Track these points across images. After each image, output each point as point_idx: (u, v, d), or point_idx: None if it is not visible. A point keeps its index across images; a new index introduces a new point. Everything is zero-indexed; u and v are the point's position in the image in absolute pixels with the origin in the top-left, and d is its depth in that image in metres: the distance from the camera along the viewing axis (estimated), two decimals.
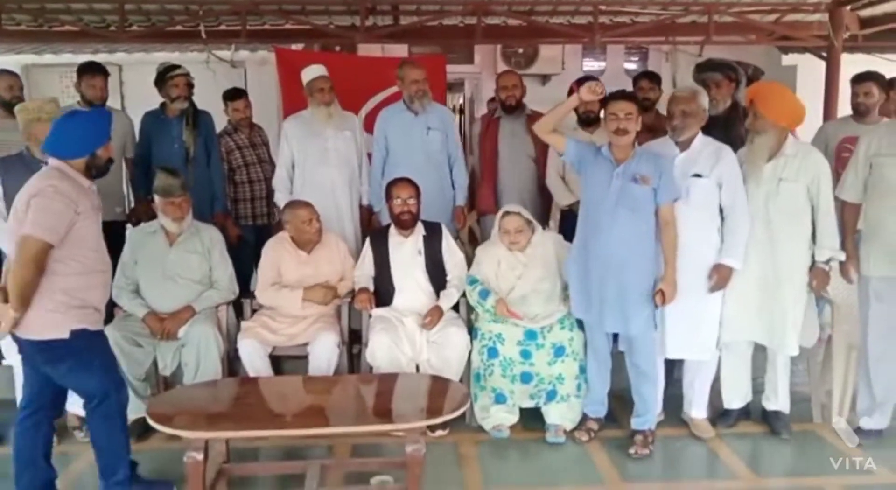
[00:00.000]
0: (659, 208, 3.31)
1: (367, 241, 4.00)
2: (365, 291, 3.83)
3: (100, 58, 7.08)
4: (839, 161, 3.69)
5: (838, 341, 3.73)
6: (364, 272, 3.93)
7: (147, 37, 6.23)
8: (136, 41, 6.25)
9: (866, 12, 6.23)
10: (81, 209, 2.75)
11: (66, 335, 2.77)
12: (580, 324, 3.64)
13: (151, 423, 2.73)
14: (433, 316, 3.72)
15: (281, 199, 4.43)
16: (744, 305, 3.49)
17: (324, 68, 4.40)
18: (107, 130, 2.93)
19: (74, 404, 3.58)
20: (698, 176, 3.39)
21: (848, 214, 3.49)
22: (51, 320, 2.74)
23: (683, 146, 3.46)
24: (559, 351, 3.59)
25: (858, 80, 4.30)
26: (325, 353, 3.60)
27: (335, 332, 3.71)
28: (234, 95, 4.92)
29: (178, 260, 3.75)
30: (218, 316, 3.79)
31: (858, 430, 3.54)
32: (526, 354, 3.58)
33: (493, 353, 3.60)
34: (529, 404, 3.61)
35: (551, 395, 3.59)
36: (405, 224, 3.85)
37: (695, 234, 3.39)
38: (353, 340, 3.94)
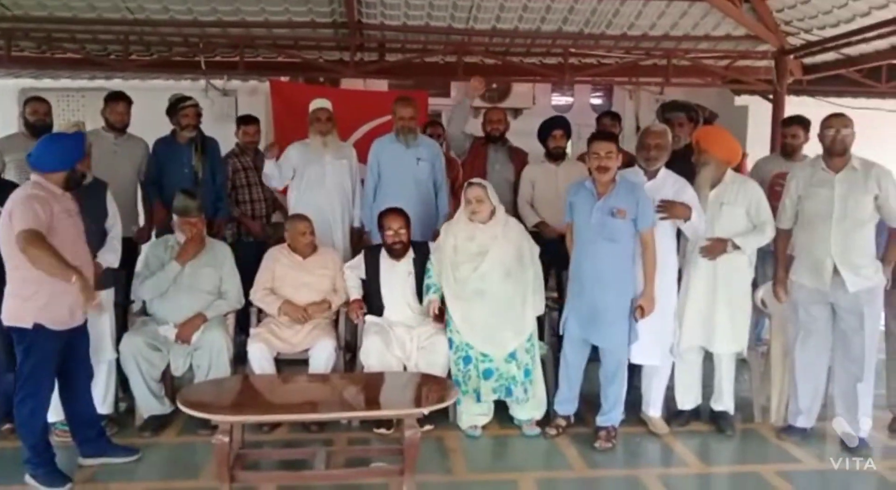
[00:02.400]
0: (640, 234, 3.79)
1: (362, 255, 4.41)
2: (357, 302, 4.25)
3: (96, 84, 7.52)
4: (772, 194, 4.25)
5: (775, 351, 4.26)
6: (355, 274, 4.35)
7: (150, 66, 6.63)
8: (138, 70, 6.63)
9: (809, 60, 6.90)
10: (56, 211, 3.20)
11: (29, 325, 3.19)
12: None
13: (184, 409, 3.11)
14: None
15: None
16: (694, 316, 4.00)
17: (328, 102, 4.87)
18: (82, 150, 3.42)
19: (101, 405, 3.97)
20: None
21: (781, 242, 4.02)
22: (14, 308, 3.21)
23: (651, 175, 3.98)
24: (511, 355, 4.00)
25: (786, 123, 4.97)
26: (323, 356, 4.00)
27: (332, 337, 4.12)
28: (248, 121, 5.43)
29: (192, 273, 4.13)
30: (227, 323, 4.18)
31: (790, 428, 4.04)
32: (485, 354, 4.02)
33: (467, 360, 4.02)
34: (494, 397, 4.03)
35: (508, 392, 4.01)
36: (397, 253, 4.24)
37: (658, 253, 3.86)
38: (346, 349, 4.36)
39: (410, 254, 4.30)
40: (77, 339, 3.45)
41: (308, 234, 4.35)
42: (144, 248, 4.31)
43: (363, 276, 4.34)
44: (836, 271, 3.75)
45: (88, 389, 3.62)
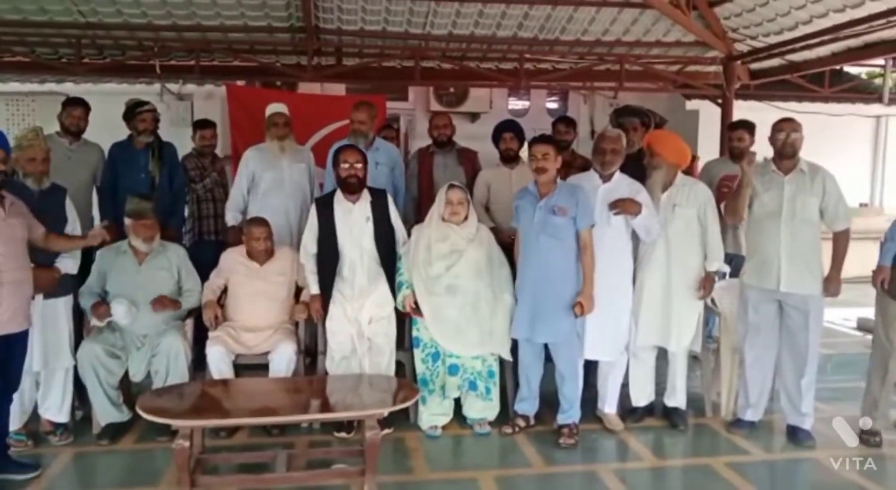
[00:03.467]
0: (578, 233, 3.90)
1: (313, 208, 4.24)
2: (317, 299, 4.16)
3: (47, 87, 7.39)
4: (719, 195, 4.41)
5: (725, 348, 4.41)
6: (311, 237, 4.18)
7: (103, 70, 6.54)
8: (91, 74, 6.53)
9: (755, 65, 7.12)
10: None
11: None
12: None
13: (144, 415, 3.09)
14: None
15: (230, 218, 4.86)
16: (650, 314, 4.13)
17: (284, 106, 4.87)
18: None
19: (48, 411, 3.94)
20: None
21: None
22: None
23: (606, 179, 4.10)
24: None
25: (733, 127, 5.15)
26: (284, 361, 3.99)
27: (293, 342, 4.11)
28: (204, 125, 5.44)
29: (148, 277, 4.10)
30: (185, 328, 4.15)
31: (739, 422, 4.20)
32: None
33: (436, 356, 4.10)
34: (457, 394, 4.12)
35: (473, 386, 4.10)
36: (352, 188, 4.09)
37: (613, 253, 4.03)
38: (307, 353, 4.35)
39: (367, 197, 4.19)
40: (9, 349, 3.38)
41: (263, 239, 4.27)
42: (98, 255, 4.23)
43: (317, 234, 4.17)
44: (783, 270, 3.91)
45: (7, 402, 3.53)
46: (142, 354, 3.97)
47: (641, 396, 4.32)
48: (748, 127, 5.04)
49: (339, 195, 4.19)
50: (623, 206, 3.93)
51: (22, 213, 3.45)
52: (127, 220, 4.12)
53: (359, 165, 4.11)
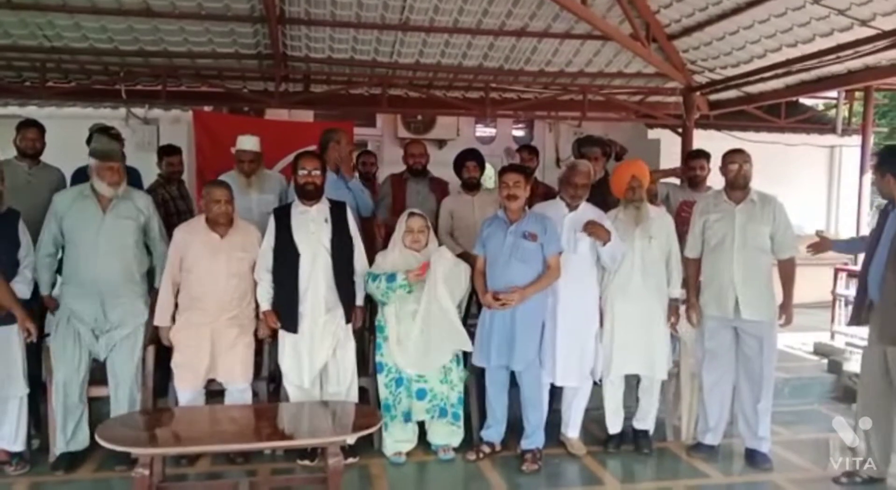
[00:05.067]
0: (547, 260, 3.97)
1: (271, 218, 4.10)
2: (270, 316, 4.01)
3: (9, 111, 7.30)
4: (679, 219, 4.53)
5: (684, 373, 4.47)
6: (268, 248, 4.03)
7: (68, 94, 6.51)
8: (56, 98, 6.50)
9: (714, 96, 7.32)
10: None
11: None
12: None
13: (103, 443, 3.04)
14: (358, 318, 4.12)
15: None
16: (629, 343, 4.16)
17: (254, 141, 4.73)
18: None
19: (2, 440, 3.85)
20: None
21: (691, 269, 4.26)
22: None
23: (572, 208, 4.18)
24: (445, 376, 4.12)
25: (692, 156, 5.29)
26: (237, 395, 3.98)
27: (246, 378, 4.01)
28: (171, 151, 5.38)
29: (112, 226, 3.88)
30: (145, 358, 4.02)
31: (698, 446, 4.27)
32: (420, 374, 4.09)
33: (399, 382, 4.10)
34: (427, 417, 4.12)
35: (443, 412, 4.11)
36: (309, 194, 4.02)
37: (580, 281, 4.09)
38: (271, 379, 4.32)
39: (325, 202, 4.12)
40: None
41: (224, 202, 3.97)
42: (55, 202, 3.97)
43: (273, 244, 4.03)
44: (739, 298, 4.01)
45: None
46: (102, 342, 3.89)
47: (616, 422, 4.34)
48: (706, 156, 5.20)
49: (296, 202, 4.13)
50: (595, 230, 4.01)
51: None
52: (92, 161, 3.87)
53: (316, 172, 4.04)
